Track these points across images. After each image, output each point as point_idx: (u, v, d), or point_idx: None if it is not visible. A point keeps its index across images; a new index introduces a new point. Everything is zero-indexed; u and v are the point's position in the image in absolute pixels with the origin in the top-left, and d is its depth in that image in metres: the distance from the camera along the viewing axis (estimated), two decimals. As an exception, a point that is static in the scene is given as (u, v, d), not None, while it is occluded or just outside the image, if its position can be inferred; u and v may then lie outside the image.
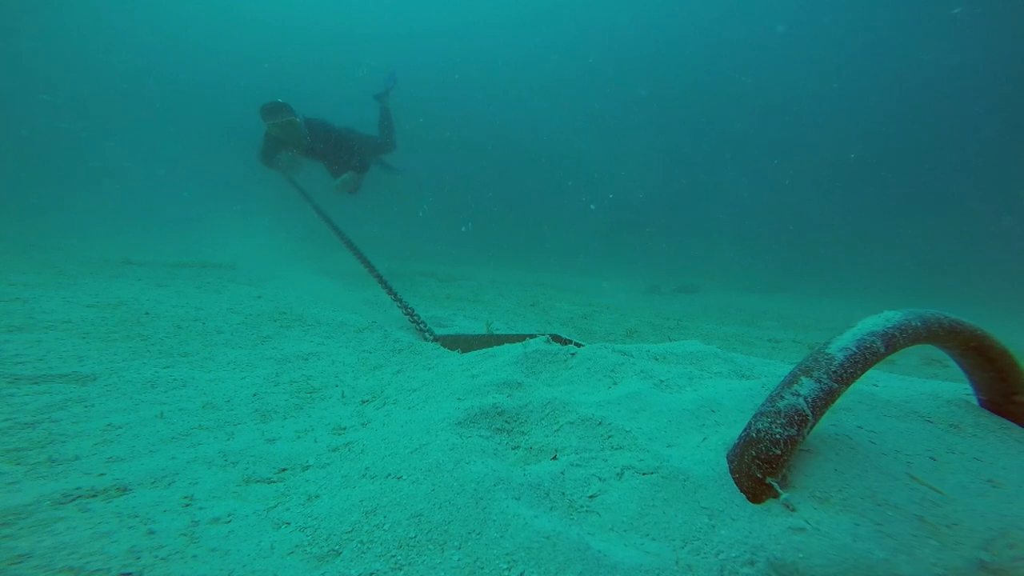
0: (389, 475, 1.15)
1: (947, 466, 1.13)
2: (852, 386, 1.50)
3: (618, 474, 1.08)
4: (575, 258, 11.93)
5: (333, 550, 0.95)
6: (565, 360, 1.77)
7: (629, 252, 13.17)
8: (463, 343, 2.65)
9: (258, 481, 1.25)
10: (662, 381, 1.55)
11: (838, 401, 1.29)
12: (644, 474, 1.07)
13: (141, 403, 1.67)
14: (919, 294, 9.70)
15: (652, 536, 0.94)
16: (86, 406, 1.60)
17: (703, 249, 14.35)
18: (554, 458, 1.18)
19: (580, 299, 6.11)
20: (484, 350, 2.07)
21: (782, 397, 1.10)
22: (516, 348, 1.89)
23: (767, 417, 1.07)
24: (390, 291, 3.71)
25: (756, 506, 0.99)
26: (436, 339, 2.84)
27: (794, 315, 6.50)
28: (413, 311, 3.30)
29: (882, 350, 1.12)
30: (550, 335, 2.10)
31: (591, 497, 1.03)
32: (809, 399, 1.05)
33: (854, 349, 1.12)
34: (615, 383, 1.58)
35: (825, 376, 1.07)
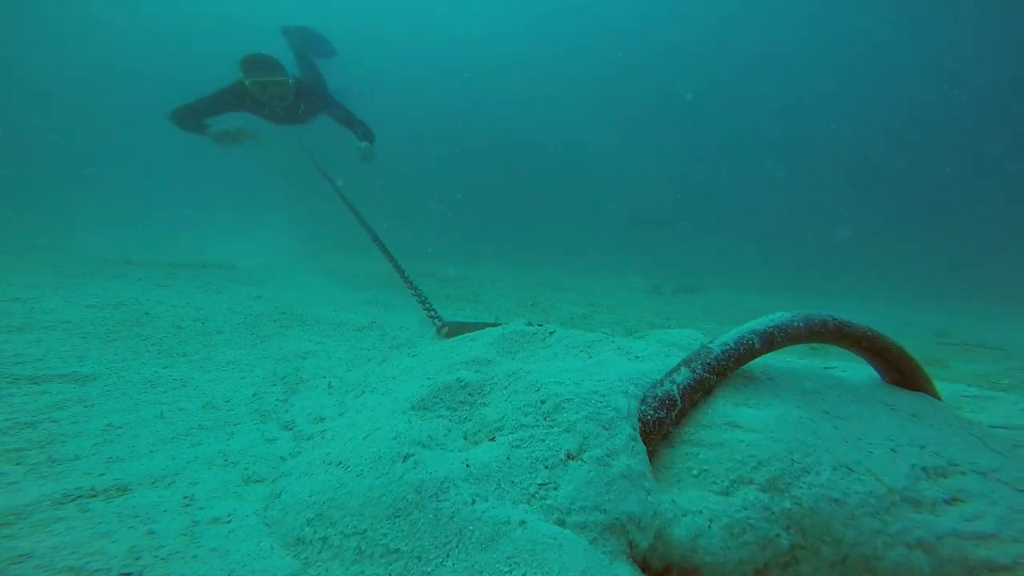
0: (340, 463, 1.14)
1: (905, 458, 1.14)
2: (827, 372, 1.55)
3: (563, 460, 1.07)
4: (576, 258, 11.93)
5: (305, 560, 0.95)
6: (544, 339, 1.77)
7: (630, 252, 13.16)
8: (469, 330, 2.69)
9: (258, 481, 1.25)
10: (637, 357, 1.55)
11: (809, 384, 1.36)
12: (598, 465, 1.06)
13: (141, 403, 1.67)
14: (928, 295, 9.69)
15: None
16: (86, 406, 1.60)
17: (705, 249, 14.34)
18: (492, 439, 1.15)
19: (580, 299, 6.11)
20: (467, 334, 2.08)
21: (662, 384, 1.23)
22: (496, 330, 1.89)
23: (646, 402, 1.20)
24: (402, 276, 3.81)
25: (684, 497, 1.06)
26: (444, 325, 2.92)
27: (794, 315, 6.49)
28: (422, 294, 3.41)
29: (758, 347, 1.27)
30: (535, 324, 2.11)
31: (541, 485, 1.03)
32: (681, 387, 1.20)
33: (732, 345, 1.27)
34: (590, 357, 1.58)
35: (700, 367, 1.22)
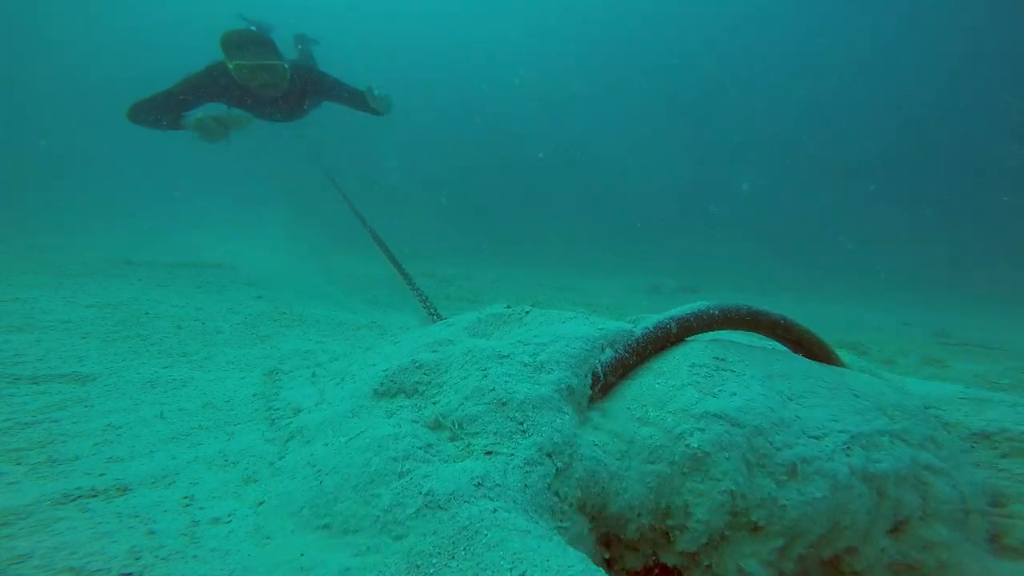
0: (327, 469, 1.15)
1: (856, 458, 1.16)
2: (796, 355, 1.59)
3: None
4: (576, 258, 11.93)
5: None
6: (520, 318, 1.78)
7: (630, 252, 13.16)
8: None
9: (258, 481, 1.26)
10: (600, 329, 1.58)
11: (778, 367, 1.42)
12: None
13: (141, 403, 1.67)
14: (928, 295, 9.68)
15: None
16: (86, 406, 1.60)
17: (705, 249, 14.33)
18: (489, 453, 1.12)
19: (580, 299, 6.11)
20: (448, 320, 2.08)
21: (591, 361, 1.38)
22: (473, 313, 1.89)
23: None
24: (406, 279, 3.83)
25: None
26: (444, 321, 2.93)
27: (796, 315, 6.48)
28: (424, 295, 3.42)
29: (674, 331, 1.44)
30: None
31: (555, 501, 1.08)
32: (605, 364, 1.36)
33: (651, 329, 1.43)
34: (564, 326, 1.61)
35: (621, 348, 1.39)
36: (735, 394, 1.21)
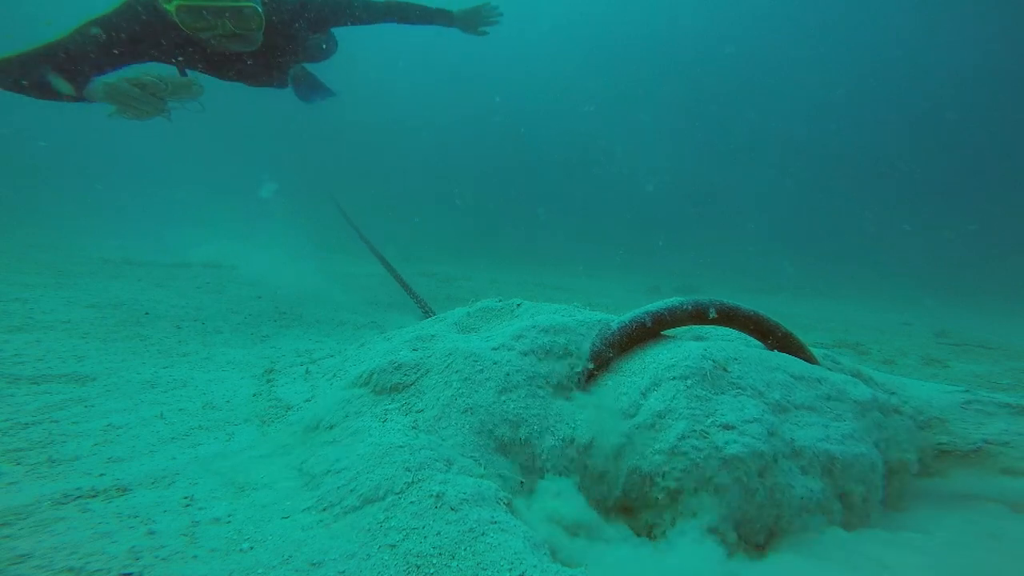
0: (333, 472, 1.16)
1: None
2: (800, 364, 1.59)
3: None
4: (577, 258, 11.92)
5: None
6: (512, 311, 1.79)
7: (630, 252, 13.16)
8: None
9: (257, 480, 1.25)
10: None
11: (779, 376, 1.44)
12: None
13: (141, 403, 1.67)
14: (928, 294, 9.68)
15: None
16: (86, 406, 1.60)
17: (705, 249, 14.33)
18: (527, 487, 1.20)
19: (579, 299, 6.10)
20: (439, 315, 2.08)
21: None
22: (464, 308, 1.89)
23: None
24: (402, 282, 3.82)
25: None
26: None
27: (796, 315, 6.49)
28: (422, 298, 3.41)
29: (648, 324, 1.50)
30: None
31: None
32: (584, 358, 1.45)
33: (627, 322, 1.50)
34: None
35: (599, 340, 1.48)
36: (729, 427, 1.19)
